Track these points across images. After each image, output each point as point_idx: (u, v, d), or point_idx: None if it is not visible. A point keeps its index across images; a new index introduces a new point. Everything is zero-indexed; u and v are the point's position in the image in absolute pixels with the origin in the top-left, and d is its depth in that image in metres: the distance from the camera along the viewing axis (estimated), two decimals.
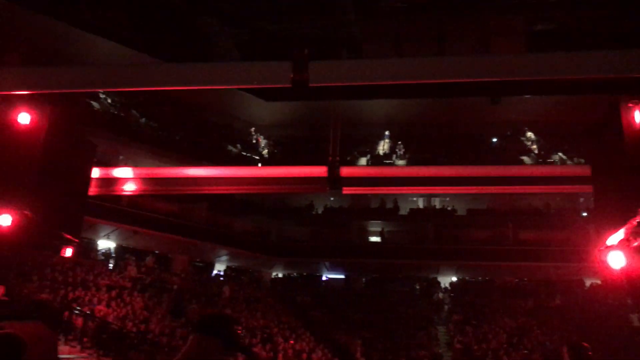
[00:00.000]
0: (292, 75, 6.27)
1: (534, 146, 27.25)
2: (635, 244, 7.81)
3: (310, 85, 6.47)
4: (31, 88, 6.45)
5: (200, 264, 28.09)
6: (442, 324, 24.84)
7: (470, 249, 26.31)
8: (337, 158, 9.22)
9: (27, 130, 5.88)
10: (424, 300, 26.95)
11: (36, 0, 21.68)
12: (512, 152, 26.59)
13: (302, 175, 9.27)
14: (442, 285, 28.51)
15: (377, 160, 27.25)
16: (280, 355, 17.61)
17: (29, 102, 6.15)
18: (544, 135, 27.23)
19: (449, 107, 26.94)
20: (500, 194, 24.68)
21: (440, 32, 16.62)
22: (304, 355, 18.45)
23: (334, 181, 8.94)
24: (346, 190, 9.29)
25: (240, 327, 2.96)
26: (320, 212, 28.88)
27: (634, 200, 7.12)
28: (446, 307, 26.50)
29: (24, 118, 5.86)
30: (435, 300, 27.15)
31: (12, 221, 5.59)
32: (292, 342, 19.60)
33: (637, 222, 7.04)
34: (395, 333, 22.82)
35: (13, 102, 6.13)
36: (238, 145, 28.11)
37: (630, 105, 6.77)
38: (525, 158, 26.12)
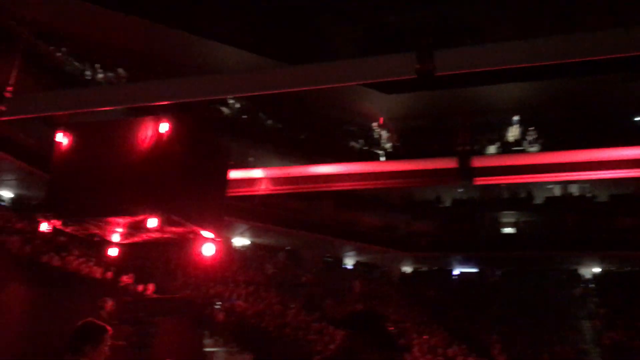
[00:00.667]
0: (417, 66, 6.12)
1: None
2: None
3: (436, 74, 6.28)
4: (170, 98, 6.87)
5: (330, 260, 28.54)
6: (587, 318, 23.23)
7: (615, 237, 24.34)
8: (468, 148, 8.86)
9: (167, 138, 6.25)
10: (565, 293, 25.36)
11: (164, 15, 23.18)
12: None
13: (431, 168, 9.02)
14: (584, 277, 26.67)
15: (507, 147, 26.05)
16: (415, 349, 17.41)
17: (167, 111, 6.56)
18: None
19: (583, 87, 25.16)
20: None
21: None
22: (439, 351, 18.11)
23: (465, 172, 8.61)
24: (478, 181, 8.91)
25: (389, 324, 2.96)
26: (448, 205, 28.17)
27: None
28: (590, 300, 24.75)
29: (164, 127, 6.22)
30: (577, 293, 25.46)
31: (158, 223, 5.97)
32: (426, 337, 19.32)
33: None
34: (535, 328, 21.71)
35: (154, 113, 6.57)
36: (361, 141, 28.18)
37: None
38: None
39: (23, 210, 17.31)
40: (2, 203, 19.31)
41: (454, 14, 23.07)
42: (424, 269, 29.49)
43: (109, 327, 3.41)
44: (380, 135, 28.89)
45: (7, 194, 20.75)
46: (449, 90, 23.61)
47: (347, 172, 10.15)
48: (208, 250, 6.66)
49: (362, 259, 28.78)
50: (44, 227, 6.54)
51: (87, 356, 3.73)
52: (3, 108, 7.75)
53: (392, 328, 2.97)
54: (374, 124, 29.07)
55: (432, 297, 25.30)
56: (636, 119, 26.68)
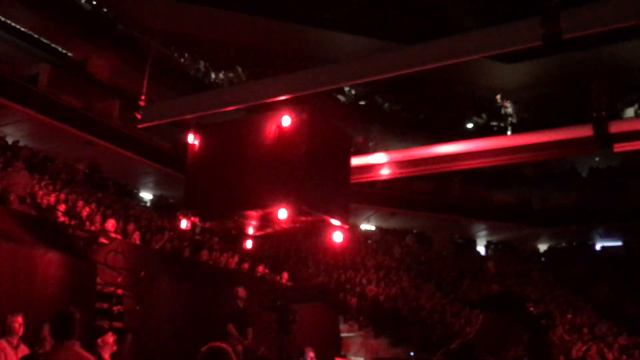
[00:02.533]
0: (542, 31, 5.77)
1: None
2: None
3: (564, 37, 5.87)
4: (290, 92, 7.04)
5: (460, 241, 27.89)
6: None
7: None
8: (603, 113, 8.21)
9: (291, 131, 6.43)
10: None
11: (275, 9, 23.77)
12: None
13: (564, 138, 8.47)
14: None
15: None
16: (559, 329, 16.57)
17: (287, 105, 6.74)
18: None
19: None
20: None
21: None
22: (585, 330, 17.09)
23: (603, 139, 8.00)
24: (618, 148, 8.23)
25: (531, 304, 2.89)
26: (585, 175, 26.36)
27: None
28: None
29: (286, 121, 6.40)
30: None
31: (289, 214, 6.18)
32: (569, 316, 18.31)
33: None
34: None
35: (274, 108, 6.79)
36: (484, 116, 27.15)
37: None
38: None
39: (162, 210, 18.64)
40: (144, 204, 20.91)
41: None
42: (563, 244, 27.89)
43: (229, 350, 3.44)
44: (505, 108, 27.67)
45: (148, 196, 22.45)
46: (578, 52, 22.05)
47: (471, 150, 9.81)
48: (337, 237, 6.78)
49: (495, 238, 27.81)
50: (184, 224, 7.00)
51: None
52: (139, 116, 8.38)
53: (533, 308, 2.88)
54: (498, 97, 27.88)
55: (573, 274, 23.86)
56: None
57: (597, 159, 25.66)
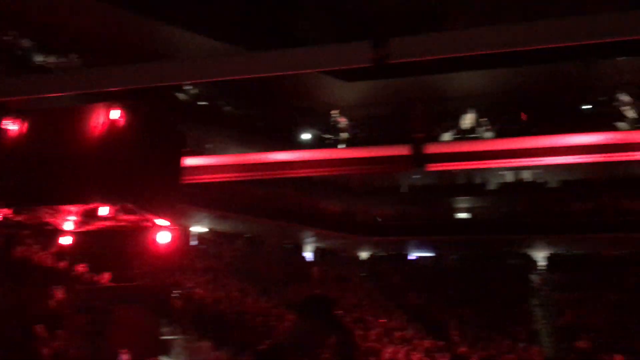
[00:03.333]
0: (371, 54, 6.21)
1: (631, 111, 25.54)
2: None
3: (391, 62, 6.37)
4: (125, 84, 6.77)
5: (289, 246, 28.66)
6: (539, 299, 24.05)
7: (565, 222, 25.21)
8: (422, 135, 9.03)
9: (120, 125, 6.19)
10: (518, 276, 26.15)
11: None
12: (607, 118, 25.07)
13: (385, 155, 9.16)
14: (537, 261, 27.55)
15: (462, 135, 26.55)
16: (372, 333, 17.71)
17: (122, 98, 6.49)
18: None
19: (538, 76, 25.81)
20: (595, 163, 23.39)
21: None
22: (397, 334, 18.47)
23: (419, 159, 8.78)
24: (431, 167, 9.10)
25: (338, 308, 3.03)
26: (406, 191, 28.59)
27: None
28: (542, 282, 25.60)
29: (115, 114, 6.14)
30: (530, 275, 26.29)
31: (111, 211, 5.93)
32: (383, 320, 19.66)
33: None
34: (490, 310, 22.34)
35: (109, 99, 6.49)
36: (319, 129, 28.25)
37: None
38: (621, 124, 24.54)
39: None
40: None
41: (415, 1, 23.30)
42: (382, 253, 29.93)
43: None
44: (339, 123, 29.03)
45: None
46: (407, 78, 23.87)
47: (304, 159, 10.20)
48: (163, 238, 6.65)
49: (322, 244, 29.01)
50: None
51: None
52: None
53: (341, 311, 3.06)
54: (334, 112, 29.20)
55: (390, 282, 25.72)
56: (584, 107, 27.54)
57: (417, 177, 27.99)
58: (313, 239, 28.19)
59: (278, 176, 11.32)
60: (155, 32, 23.83)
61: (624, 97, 26.12)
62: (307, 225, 26.36)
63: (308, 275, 23.63)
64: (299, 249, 28.77)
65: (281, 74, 6.97)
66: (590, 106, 27.28)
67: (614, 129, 23.63)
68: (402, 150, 8.86)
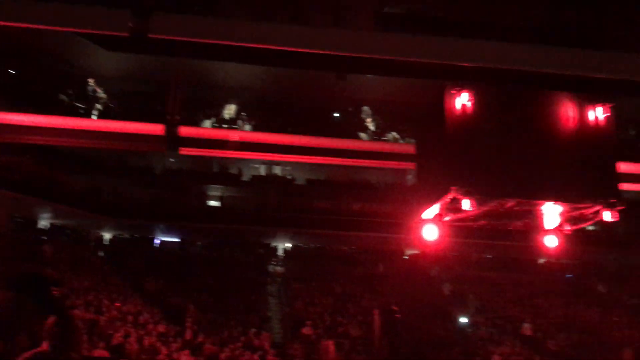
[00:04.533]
0: (130, 24, 5.95)
1: (372, 124, 28.64)
2: (447, 218, 8.64)
3: (150, 36, 6.19)
4: None
5: (21, 220, 25.89)
6: (275, 287, 25.54)
7: (307, 217, 27.09)
8: (177, 117, 8.95)
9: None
10: (259, 265, 27.46)
11: None
12: (351, 127, 27.73)
13: (138, 131, 8.89)
14: (278, 252, 29.22)
15: (222, 124, 26.82)
16: (104, 317, 16.94)
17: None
18: (382, 114, 28.72)
19: (300, 79, 27.28)
20: (339, 166, 25.70)
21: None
22: (130, 318, 17.95)
23: (172, 141, 8.71)
24: (184, 151, 9.08)
25: (57, 288, 2.82)
26: (158, 173, 27.87)
27: (448, 179, 7.85)
28: (280, 272, 27.25)
29: None
30: (271, 264, 27.79)
31: None
32: (118, 304, 18.94)
33: (450, 199, 7.79)
34: (228, 297, 23.01)
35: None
36: (71, 94, 25.98)
37: (454, 92, 7.40)
38: (362, 134, 27.36)
39: None
40: None
41: None
42: (126, 235, 28.82)
43: None
44: (96, 93, 27.03)
45: None
46: (174, 58, 23.18)
47: (48, 124, 9.37)
48: None
49: (59, 221, 26.76)
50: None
51: None
52: None
53: (58, 291, 2.86)
54: (90, 80, 27.08)
55: (131, 265, 24.88)
56: (335, 114, 30.09)
57: (172, 160, 27.49)
58: (50, 214, 25.84)
59: (15, 141, 10.20)
60: None
61: (368, 111, 29.18)
62: (44, 198, 23.96)
63: (39, 253, 21.59)
64: (33, 224, 26.14)
65: (31, 26, 6.30)
66: (339, 115, 29.88)
67: (356, 137, 26.31)
68: (156, 129, 8.69)
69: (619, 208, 6.99)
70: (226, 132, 15.18)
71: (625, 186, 8.83)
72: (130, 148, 13.12)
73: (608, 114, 6.87)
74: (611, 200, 6.86)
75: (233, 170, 28.42)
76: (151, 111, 23.20)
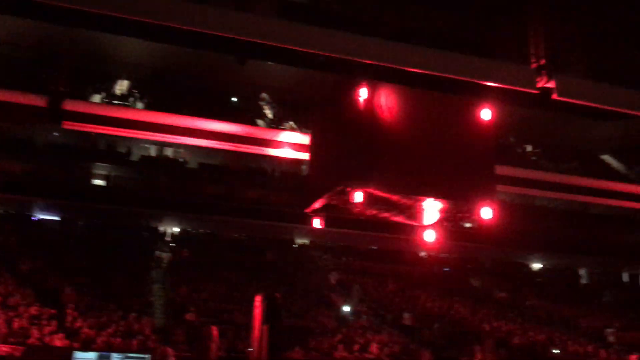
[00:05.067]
0: None
1: (270, 111, 28.64)
2: (335, 209, 8.87)
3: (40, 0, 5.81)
4: None
5: None
6: (161, 272, 24.87)
7: (198, 202, 26.41)
8: (62, 89, 8.44)
9: None
10: (145, 249, 26.60)
11: None
12: (250, 113, 27.56)
13: (18, 102, 8.28)
14: (166, 236, 28.48)
15: (113, 100, 25.57)
16: None
17: None
18: (281, 102, 28.80)
19: (199, 60, 26.67)
20: (235, 152, 25.38)
21: None
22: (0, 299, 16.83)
23: (55, 113, 8.21)
24: (67, 125, 8.59)
25: None
26: (40, 146, 25.99)
27: (339, 171, 8.02)
28: (166, 256, 26.56)
29: None
30: (157, 248, 26.99)
31: None
32: None
33: (338, 190, 7.97)
34: (110, 281, 22.12)
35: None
36: None
37: (351, 86, 7.56)
38: (260, 121, 27.26)
39: None
40: None
41: None
42: (1, 212, 26.79)
43: None
44: None
45: None
46: (62, 26, 21.76)
47: None
48: None
49: None
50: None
51: None
52: None
53: None
54: None
55: (4, 244, 23.22)
56: (233, 99, 29.77)
57: (56, 134, 25.69)
58: None
59: None
60: None
61: (266, 97, 29.15)
62: None
63: None
64: None
65: None
66: (237, 99, 29.57)
67: (253, 123, 26.17)
68: (37, 100, 8.14)
69: (495, 208, 7.52)
70: (115, 108, 14.46)
71: (501, 188, 9.51)
72: (8, 120, 12.09)
73: (490, 119, 7.36)
74: (488, 200, 7.36)
75: (122, 149, 27.21)
76: (36, 81, 21.70)
